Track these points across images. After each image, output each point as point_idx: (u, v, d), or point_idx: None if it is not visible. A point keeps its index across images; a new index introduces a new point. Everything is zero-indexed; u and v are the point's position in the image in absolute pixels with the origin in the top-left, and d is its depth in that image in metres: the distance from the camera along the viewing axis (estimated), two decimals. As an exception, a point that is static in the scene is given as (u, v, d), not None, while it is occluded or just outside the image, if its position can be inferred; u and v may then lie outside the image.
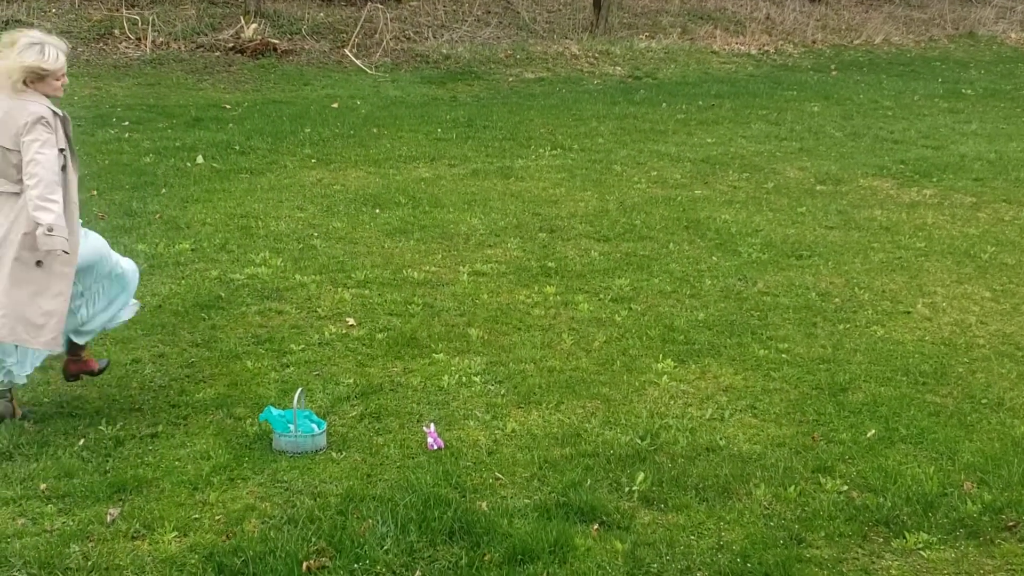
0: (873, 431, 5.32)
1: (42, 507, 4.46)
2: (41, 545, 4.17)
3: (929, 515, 4.54)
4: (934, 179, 10.90)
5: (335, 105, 14.18)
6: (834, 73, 18.87)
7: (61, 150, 4.92)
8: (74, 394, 5.53)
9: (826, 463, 4.99)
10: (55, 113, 4.94)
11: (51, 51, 4.92)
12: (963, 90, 17.22)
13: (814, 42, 21.59)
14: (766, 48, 20.62)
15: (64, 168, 4.94)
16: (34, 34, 4.98)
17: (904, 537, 4.40)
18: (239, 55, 16.83)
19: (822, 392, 5.81)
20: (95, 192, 9.42)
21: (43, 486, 4.60)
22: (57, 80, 4.97)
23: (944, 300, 7.33)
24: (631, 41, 19.63)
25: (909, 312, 7.09)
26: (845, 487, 4.77)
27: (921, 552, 4.32)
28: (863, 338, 6.61)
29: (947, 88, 17.39)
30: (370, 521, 4.36)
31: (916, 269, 7.98)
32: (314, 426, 5.05)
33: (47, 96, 4.97)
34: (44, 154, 4.82)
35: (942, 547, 4.35)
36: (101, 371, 5.58)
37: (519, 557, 4.16)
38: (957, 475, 4.90)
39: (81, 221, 5.17)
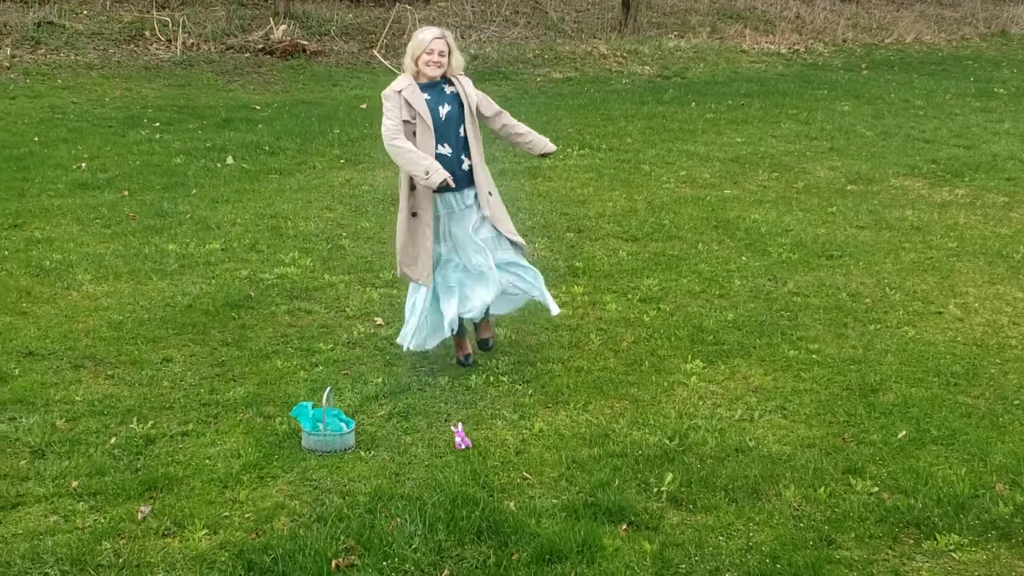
0: (904, 432, 5.28)
1: (74, 504, 4.50)
2: (73, 542, 4.21)
3: (960, 517, 4.51)
4: (966, 179, 10.81)
5: (363, 106, 14.23)
6: (865, 72, 18.75)
7: (406, 121, 5.61)
8: (106, 392, 5.57)
9: (856, 464, 4.96)
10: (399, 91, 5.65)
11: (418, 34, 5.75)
12: (995, 89, 17.06)
13: (844, 41, 21.46)
14: (796, 47, 20.52)
15: (415, 134, 5.63)
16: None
17: (935, 539, 4.36)
18: (268, 56, 16.92)
19: (853, 393, 5.77)
20: (126, 192, 9.50)
21: (75, 484, 4.65)
22: (426, 55, 5.64)
23: (976, 300, 7.27)
24: (660, 40, 19.58)
25: (941, 312, 7.03)
26: (876, 488, 4.74)
27: (952, 554, 4.28)
28: (894, 339, 6.56)
29: (979, 87, 17.23)
30: (398, 520, 4.38)
31: (948, 269, 7.92)
32: (343, 425, 5.06)
33: (420, 73, 5.68)
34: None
35: (973, 549, 4.31)
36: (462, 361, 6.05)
37: (547, 557, 4.16)
38: (989, 476, 4.85)
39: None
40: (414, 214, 5.72)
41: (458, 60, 5.72)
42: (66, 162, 10.60)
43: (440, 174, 5.45)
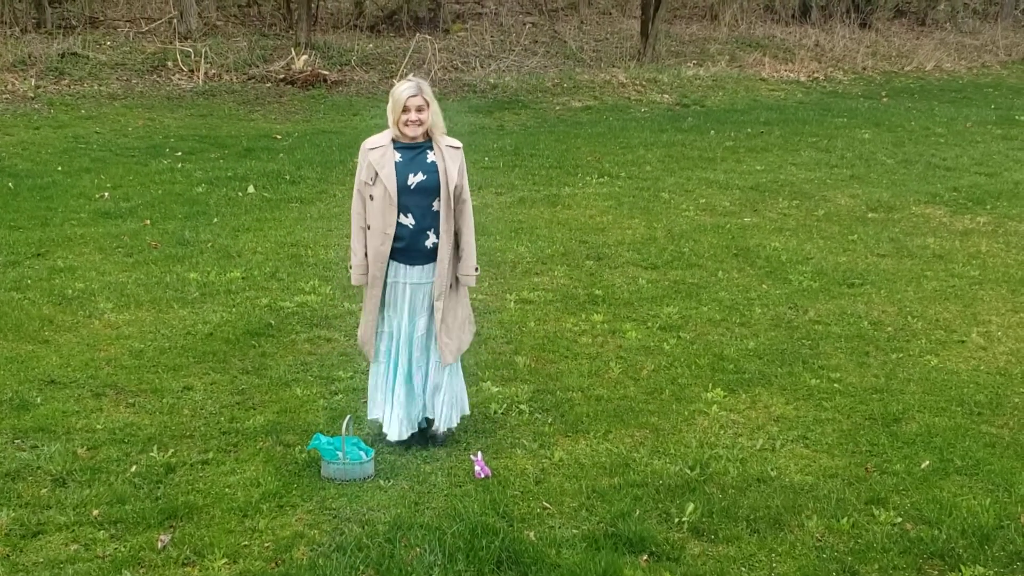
0: (927, 462, 5.24)
1: (95, 533, 4.51)
2: (94, 571, 4.21)
3: (985, 548, 4.46)
4: (988, 206, 10.76)
5: (384, 134, 14.28)
6: (885, 100, 18.72)
7: (364, 182, 5.12)
8: (126, 421, 5.59)
9: (879, 494, 4.92)
10: (371, 147, 5.15)
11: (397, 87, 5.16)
12: (1016, 116, 17.00)
13: (864, 69, 21.45)
14: (815, 75, 20.52)
15: (371, 197, 5.11)
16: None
17: (960, 570, 4.32)
18: (290, 86, 17.04)
19: (875, 422, 5.73)
20: (148, 221, 9.56)
21: (96, 512, 4.65)
22: (403, 115, 5.08)
23: (999, 329, 7.22)
24: (679, 69, 19.61)
25: (963, 341, 6.99)
26: (899, 519, 4.70)
27: (978, 586, 4.24)
28: (916, 367, 6.52)
29: (1000, 115, 17.18)
30: (418, 549, 4.36)
31: (970, 297, 7.87)
32: (362, 454, 5.06)
33: (401, 134, 5.14)
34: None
35: (1000, 581, 4.26)
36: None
37: (567, 587, 4.13)
38: (1014, 507, 4.80)
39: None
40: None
41: (437, 113, 5.11)
42: (89, 191, 10.69)
43: (353, 278, 5.20)
